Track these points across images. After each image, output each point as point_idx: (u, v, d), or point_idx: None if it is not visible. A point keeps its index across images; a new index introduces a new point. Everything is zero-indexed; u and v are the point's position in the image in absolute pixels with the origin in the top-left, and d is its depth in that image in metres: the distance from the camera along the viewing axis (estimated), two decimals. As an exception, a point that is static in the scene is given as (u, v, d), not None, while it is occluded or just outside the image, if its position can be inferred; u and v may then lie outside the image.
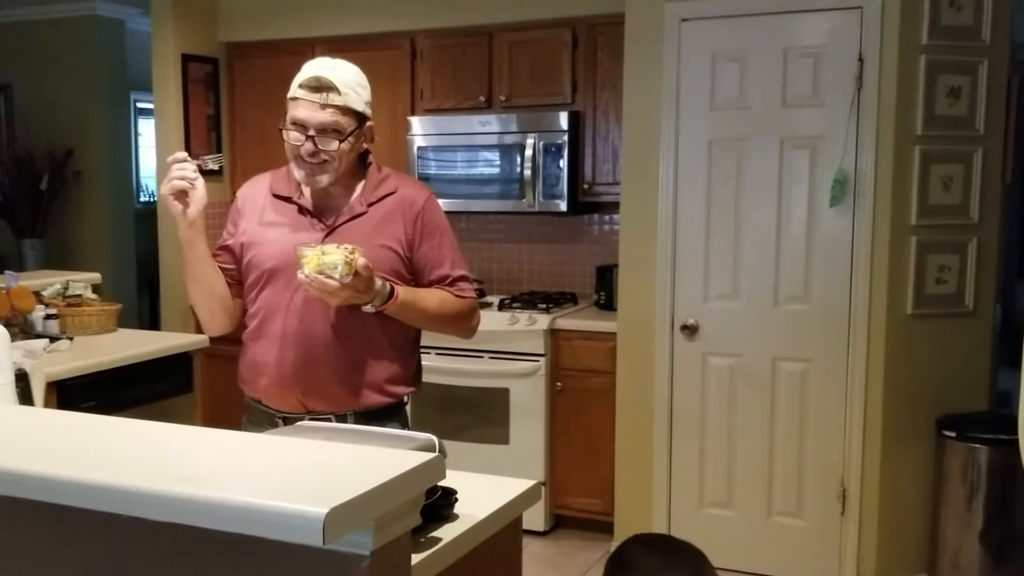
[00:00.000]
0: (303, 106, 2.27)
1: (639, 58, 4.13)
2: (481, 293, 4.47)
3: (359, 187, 2.41)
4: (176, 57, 5.36)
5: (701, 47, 4.01)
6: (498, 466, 3.73)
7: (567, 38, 4.74)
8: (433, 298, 2.39)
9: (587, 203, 4.86)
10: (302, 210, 2.39)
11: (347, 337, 2.32)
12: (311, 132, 2.27)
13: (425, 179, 4.74)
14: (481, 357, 4.56)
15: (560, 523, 4.66)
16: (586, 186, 4.76)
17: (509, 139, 4.77)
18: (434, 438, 1.77)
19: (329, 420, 2.29)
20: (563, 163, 4.67)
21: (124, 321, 4.22)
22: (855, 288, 3.85)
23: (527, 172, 4.71)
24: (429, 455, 1.54)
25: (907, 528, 3.94)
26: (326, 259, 2.14)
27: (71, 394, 3.38)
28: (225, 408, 2.99)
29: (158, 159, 5.65)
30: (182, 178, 2.26)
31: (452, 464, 1.66)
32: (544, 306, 4.67)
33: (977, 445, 3.70)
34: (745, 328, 4.04)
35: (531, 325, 4.49)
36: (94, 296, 4.15)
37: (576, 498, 4.55)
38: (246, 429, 2.42)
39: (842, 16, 3.79)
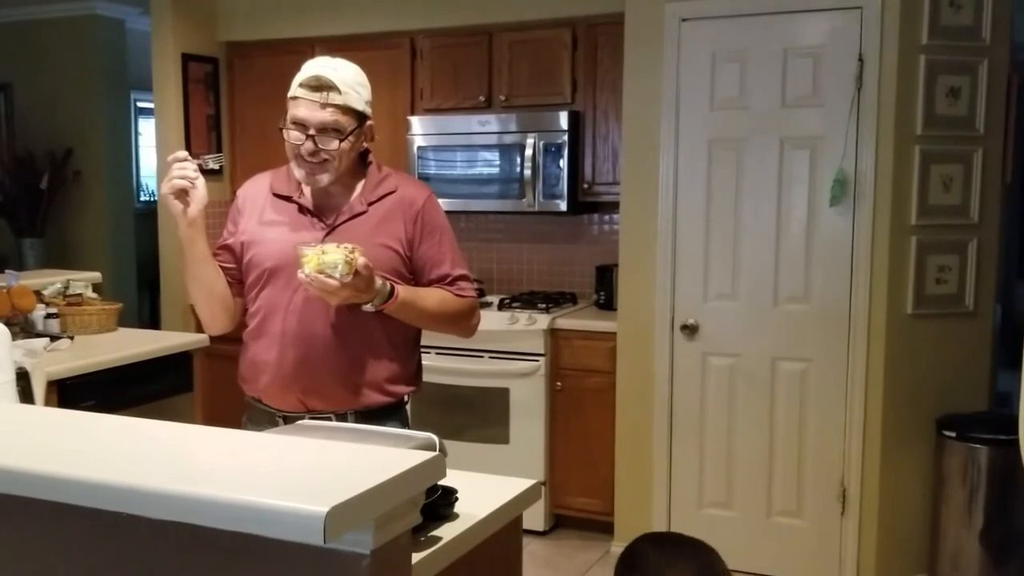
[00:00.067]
0: (303, 105, 2.28)
1: (639, 58, 4.13)
2: (481, 293, 4.47)
3: (359, 186, 2.41)
4: (176, 56, 5.36)
5: (701, 47, 4.01)
6: (498, 466, 3.73)
7: (567, 38, 4.74)
8: (433, 297, 2.39)
9: (587, 203, 4.86)
10: (302, 209, 2.39)
11: (347, 336, 2.33)
12: (311, 131, 2.27)
13: (425, 179, 4.74)
14: (481, 357, 4.56)
15: (560, 523, 4.66)
16: (586, 186, 4.76)
17: (509, 139, 4.77)
18: (434, 437, 1.77)
19: (329, 419, 2.30)
20: (563, 163, 4.67)
21: (124, 320, 4.22)
22: (855, 288, 3.85)
23: (527, 172, 4.71)
24: (429, 454, 1.54)
25: (907, 528, 3.94)
26: (326, 258, 2.14)
27: (71, 393, 3.38)
28: (225, 407, 2.99)
29: (158, 159, 5.65)
30: (182, 177, 2.26)
31: (452, 464, 1.66)
32: (544, 306, 4.67)
33: (977, 445, 3.70)
34: (745, 328, 4.04)
35: (531, 325, 4.49)
36: (94, 295, 4.15)
37: (576, 498, 4.55)
38: (246, 428, 2.42)
39: (842, 16, 3.79)
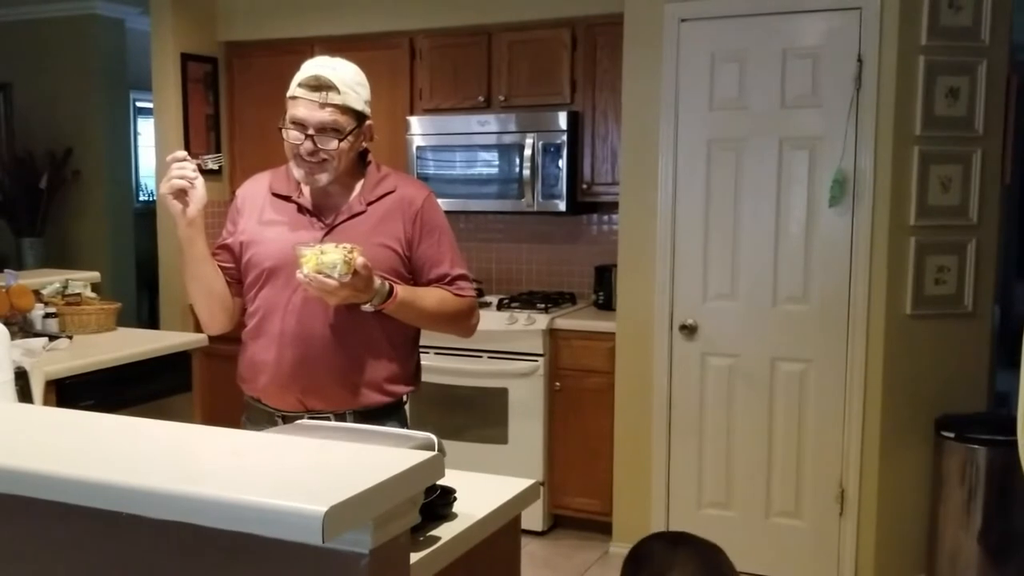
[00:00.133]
0: (302, 105, 2.28)
1: (638, 58, 4.13)
2: (480, 293, 4.47)
3: (358, 186, 2.41)
4: (175, 56, 5.37)
5: (700, 47, 4.01)
6: (497, 466, 3.73)
7: (566, 38, 4.74)
8: (432, 297, 2.39)
9: (586, 203, 4.87)
10: (301, 209, 2.39)
11: (346, 336, 2.33)
12: (310, 131, 2.27)
13: (424, 179, 4.74)
14: (480, 357, 4.56)
15: (558, 523, 4.66)
16: (585, 186, 4.76)
17: (508, 139, 4.77)
18: (433, 437, 1.77)
19: (328, 419, 2.30)
20: (562, 163, 4.67)
21: (123, 320, 4.22)
22: (854, 288, 3.85)
23: (526, 172, 4.71)
24: (428, 454, 1.54)
25: (905, 529, 3.94)
26: (325, 258, 2.14)
27: (70, 393, 3.38)
28: (224, 407, 2.99)
29: (157, 158, 5.65)
30: (181, 177, 2.26)
31: (451, 464, 1.66)
32: (543, 306, 4.67)
33: (976, 446, 3.70)
34: (744, 328, 4.04)
35: (530, 325, 4.49)
36: (93, 295, 4.15)
37: (574, 498, 4.55)
38: (245, 428, 2.42)
39: (841, 17, 3.79)
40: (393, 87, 5.02)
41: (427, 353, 4.09)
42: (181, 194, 2.27)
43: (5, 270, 3.99)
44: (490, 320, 4.40)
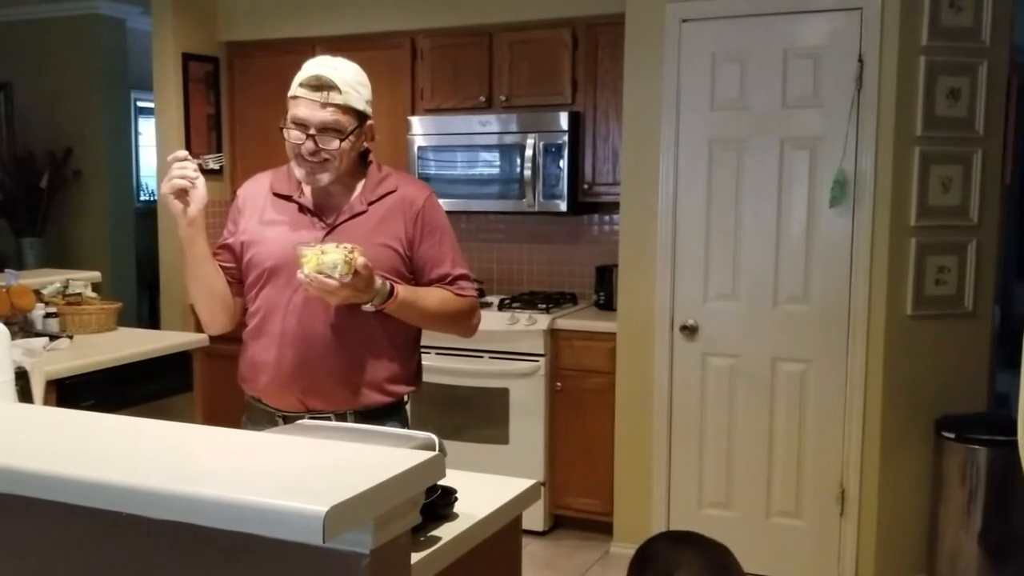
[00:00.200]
0: (304, 105, 2.28)
1: (639, 58, 4.13)
2: (481, 293, 4.46)
3: (359, 186, 2.41)
4: (176, 56, 5.37)
5: (701, 48, 4.01)
6: (497, 466, 3.73)
7: (567, 38, 4.74)
8: (433, 297, 2.39)
9: (587, 203, 4.86)
10: (302, 209, 2.39)
11: (347, 336, 2.33)
12: (312, 131, 2.27)
13: (425, 179, 4.74)
14: (481, 357, 4.56)
15: (559, 523, 4.66)
16: (586, 186, 4.76)
17: (509, 139, 4.77)
18: (434, 437, 1.77)
19: (329, 419, 2.30)
20: (563, 163, 4.67)
21: (124, 320, 4.22)
22: (854, 289, 3.85)
23: (527, 172, 4.71)
24: (429, 454, 1.54)
25: (906, 529, 3.94)
26: (325, 258, 2.14)
27: (71, 393, 3.38)
28: (225, 407, 2.99)
29: (158, 158, 5.65)
30: (182, 177, 2.26)
31: (452, 464, 1.66)
32: (544, 306, 4.67)
33: (976, 446, 3.70)
34: (744, 329, 4.04)
35: (531, 325, 4.49)
36: (94, 295, 4.15)
37: (575, 498, 4.55)
38: (246, 428, 2.42)
39: (842, 17, 3.79)
40: (394, 87, 5.02)
41: (428, 353, 4.08)
42: (182, 194, 2.27)
43: (6, 270, 3.99)
44: (491, 320, 4.40)
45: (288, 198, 2.41)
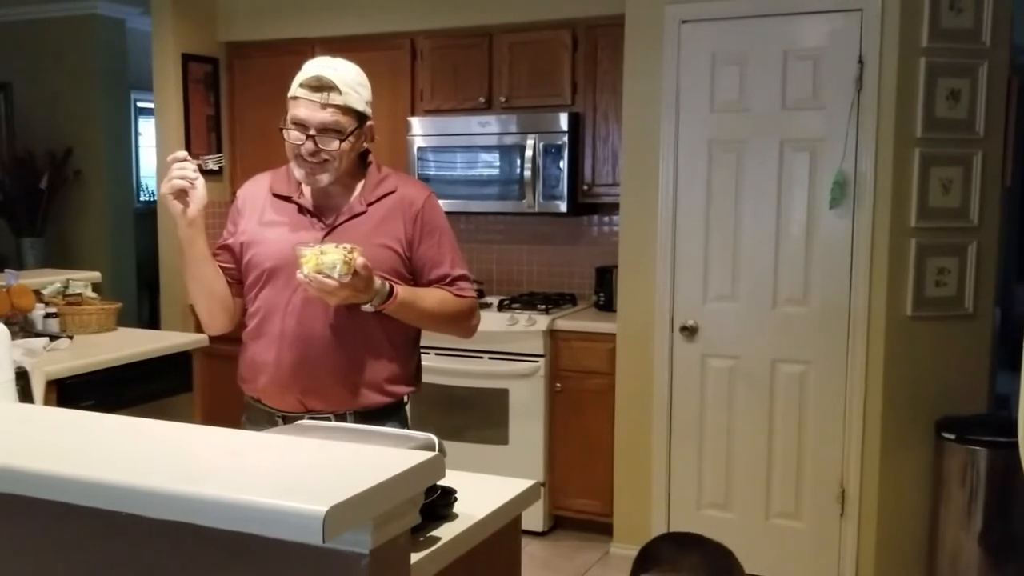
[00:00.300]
0: (304, 105, 2.28)
1: (639, 60, 4.13)
2: (481, 294, 4.46)
3: (359, 187, 2.41)
4: (176, 57, 5.37)
5: (701, 49, 4.01)
6: (497, 467, 3.73)
7: (567, 39, 4.74)
8: (433, 297, 2.39)
9: (587, 204, 4.87)
10: (302, 209, 2.39)
11: (346, 336, 2.33)
12: (311, 131, 2.27)
13: (425, 180, 4.74)
14: (480, 358, 4.56)
15: (558, 524, 4.66)
16: (586, 187, 4.76)
17: (509, 140, 4.77)
18: (434, 437, 1.77)
19: (328, 419, 2.30)
20: (563, 164, 4.67)
21: (124, 320, 4.22)
22: (854, 290, 3.85)
23: (527, 173, 4.71)
24: (428, 454, 1.54)
25: (906, 530, 3.94)
26: (324, 259, 2.14)
27: (71, 393, 3.38)
28: (224, 407, 2.99)
29: (158, 159, 5.65)
30: (182, 177, 2.26)
31: (451, 464, 1.66)
32: (543, 307, 4.67)
33: (976, 447, 3.70)
34: (744, 330, 4.04)
35: (530, 326, 4.49)
36: (94, 295, 4.15)
37: (575, 499, 4.55)
38: (245, 428, 2.42)
39: (842, 18, 3.79)
40: (394, 88, 5.02)
41: (428, 354, 4.08)
42: (182, 194, 2.27)
43: (5, 270, 3.99)
44: (491, 321, 4.39)
45: (288, 199, 2.41)
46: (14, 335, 3.24)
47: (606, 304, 4.72)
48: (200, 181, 2.28)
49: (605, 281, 4.76)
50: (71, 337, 3.80)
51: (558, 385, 4.51)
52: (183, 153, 2.30)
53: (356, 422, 2.32)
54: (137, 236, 7.12)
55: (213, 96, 5.56)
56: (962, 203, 3.85)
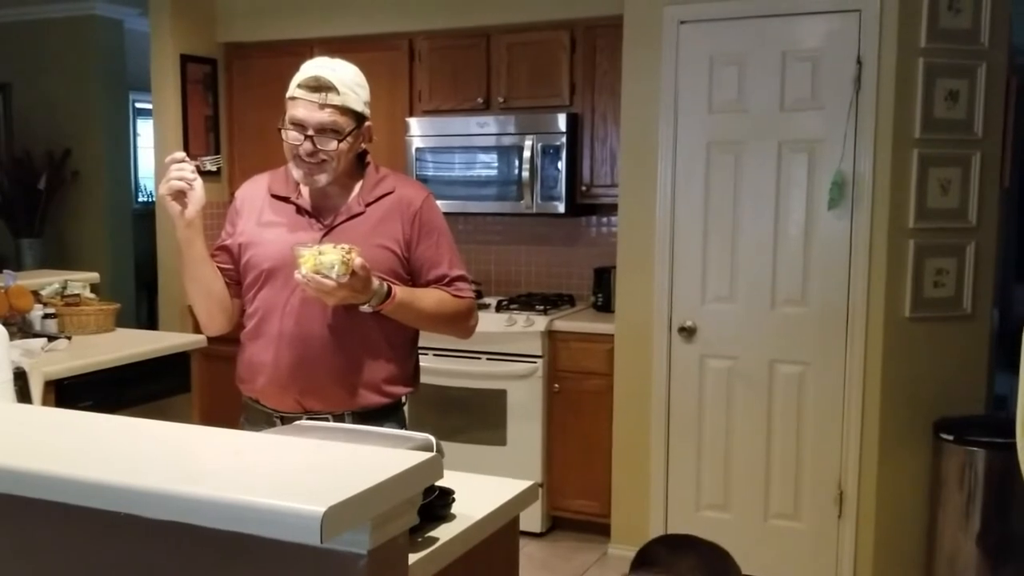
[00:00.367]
0: (302, 106, 2.28)
1: (637, 60, 4.13)
2: (479, 294, 4.47)
3: (357, 187, 2.41)
4: (175, 57, 5.36)
5: (699, 50, 4.01)
6: (495, 467, 3.72)
7: (565, 40, 4.74)
8: (431, 298, 2.39)
9: (585, 205, 4.87)
10: (300, 210, 2.39)
11: (344, 337, 2.33)
12: (310, 132, 2.27)
13: (423, 180, 4.74)
14: (479, 358, 4.56)
15: (557, 525, 4.66)
16: (584, 188, 4.76)
17: (507, 141, 4.77)
18: (432, 438, 1.77)
19: (327, 420, 2.30)
20: (561, 165, 4.67)
21: (122, 321, 4.22)
22: (853, 291, 3.85)
23: (525, 174, 4.71)
24: (427, 455, 1.54)
25: (904, 531, 3.94)
26: (323, 259, 2.14)
27: (69, 393, 3.38)
28: (223, 408, 2.99)
29: (156, 159, 5.65)
30: (180, 178, 2.26)
31: (449, 465, 1.66)
32: (542, 308, 4.67)
33: (974, 448, 3.70)
34: (743, 330, 4.04)
35: (529, 327, 4.49)
36: (92, 295, 4.15)
37: (573, 500, 4.55)
38: (243, 428, 2.42)
39: (840, 19, 3.79)
40: (392, 88, 5.02)
41: (426, 354, 4.09)
42: (180, 195, 2.27)
43: (4, 271, 3.99)
44: (489, 322, 4.40)
45: (286, 199, 2.41)
46: (12, 336, 3.24)
47: (604, 305, 4.72)
48: (198, 182, 2.28)
49: (603, 282, 4.76)
50: (69, 338, 3.80)
51: (556, 386, 4.51)
52: (181, 154, 2.30)
53: (354, 423, 2.32)
54: (135, 237, 7.12)
55: (211, 97, 5.56)
56: (960, 204, 3.85)
